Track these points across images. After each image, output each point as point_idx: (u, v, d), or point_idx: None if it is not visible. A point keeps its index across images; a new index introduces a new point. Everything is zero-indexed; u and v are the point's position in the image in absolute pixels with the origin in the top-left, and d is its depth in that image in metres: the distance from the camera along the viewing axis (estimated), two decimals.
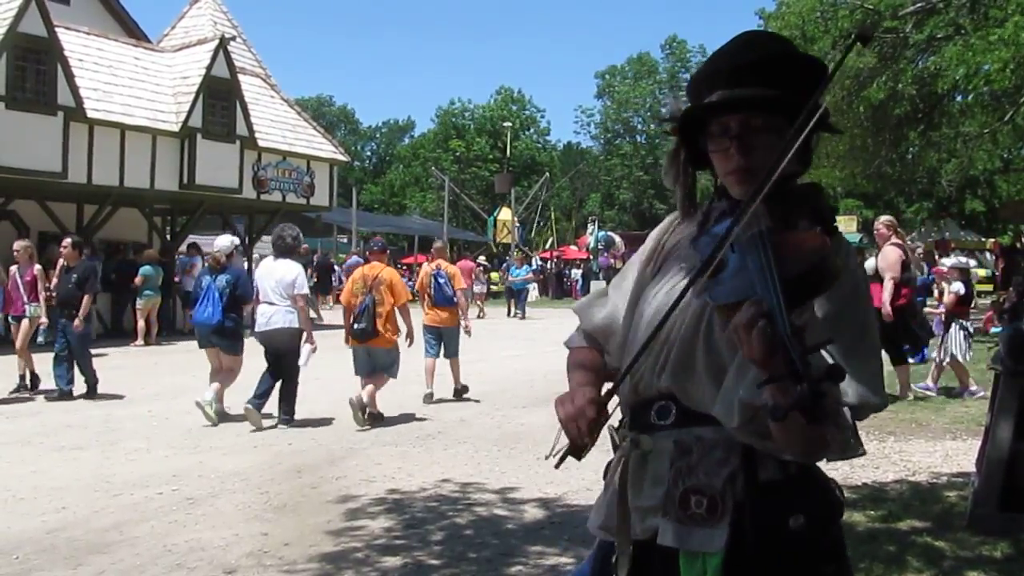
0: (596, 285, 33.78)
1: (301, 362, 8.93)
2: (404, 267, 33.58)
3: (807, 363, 1.28)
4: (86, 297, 10.27)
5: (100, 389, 10.41)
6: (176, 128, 18.42)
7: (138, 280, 16.68)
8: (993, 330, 15.39)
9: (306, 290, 9.29)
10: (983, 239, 36.48)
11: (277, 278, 8.78)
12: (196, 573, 4.70)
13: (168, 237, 20.90)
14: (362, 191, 45.57)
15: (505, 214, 39.90)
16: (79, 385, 10.46)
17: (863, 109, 16.89)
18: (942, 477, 6.52)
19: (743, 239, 1.49)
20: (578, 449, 1.71)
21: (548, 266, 38.64)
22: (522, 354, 11.89)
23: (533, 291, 25.60)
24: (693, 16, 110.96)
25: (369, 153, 78.32)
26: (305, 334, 8.92)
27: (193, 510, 5.88)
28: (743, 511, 1.59)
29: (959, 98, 18.67)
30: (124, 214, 19.31)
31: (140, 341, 16.61)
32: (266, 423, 8.77)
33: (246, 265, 21.75)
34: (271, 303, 8.79)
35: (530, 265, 26.70)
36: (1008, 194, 39.48)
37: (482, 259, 29.16)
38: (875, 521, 5.39)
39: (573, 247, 41.46)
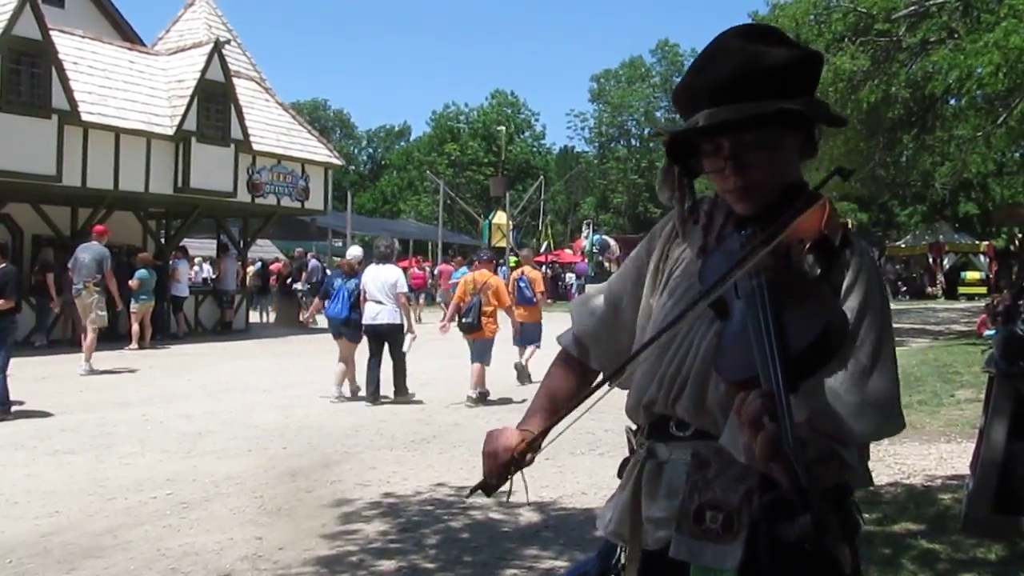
0: (591, 288, 33.81)
1: (404, 348, 10.50)
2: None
3: (812, 484, 1.23)
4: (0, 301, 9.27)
5: (95, 395, 10.32)
6: (171, 132, 18.37)
7: (134, 284, 16.61)
8: (987, 333, 15.42)
9: (406, 289, 10.91)
10: (977, 242, 36.58)
11: (382, 280, 10.41)
12: None
13: (163, 241, 20.86)
14: (353, 199, 45.55)
15: (500, 218, 39.88)
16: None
17: (856, 112, 16.92)
18: (936, 480, 6.53)
19: (744, 286, 1.46)
20: (489, 486, 1.77)
21: (543, 270, 38.65)
22: (517, 357, 11.95)
23: None
24: (686, 19, 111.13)
25: (365, 157, 78.31)
26: (407, 325, 10.54)
27: (187, 514, 5.87)
28: (758, 529, 1.54)
29: (952, 101, 18.72)
30: (119, 217, 19.25)
31: (135, 345, 16.55)
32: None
33: (239, 267, 21.82)
34: (378, 301, 10.38)
35: (469, 268, 26.17)
36: (1001, 197, 39.57)
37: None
38: (870, 524, 5.39)
39: (568, 250, 41.47)
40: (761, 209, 1.57)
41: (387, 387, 10.62)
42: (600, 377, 1.77)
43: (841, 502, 1.61)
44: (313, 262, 24.74)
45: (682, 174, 1.70)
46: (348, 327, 10.74)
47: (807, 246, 1.47)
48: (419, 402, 10.62)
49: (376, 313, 10.41)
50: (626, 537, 1.71)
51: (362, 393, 10.75)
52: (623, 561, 1.74)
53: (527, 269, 12.39)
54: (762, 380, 1.32)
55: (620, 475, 1.80)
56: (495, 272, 11.37)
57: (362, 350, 10.80)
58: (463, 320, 10.55)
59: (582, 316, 1.93)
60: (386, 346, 10.55)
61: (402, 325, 10.53)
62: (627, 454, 1.80)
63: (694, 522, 1.58)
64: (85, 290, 13.81)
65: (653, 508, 1.65)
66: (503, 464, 1.76)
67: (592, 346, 1.90)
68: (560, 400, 1.89)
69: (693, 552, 1.57)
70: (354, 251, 11.56)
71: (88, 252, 14.11)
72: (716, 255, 1.61)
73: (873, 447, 6.11)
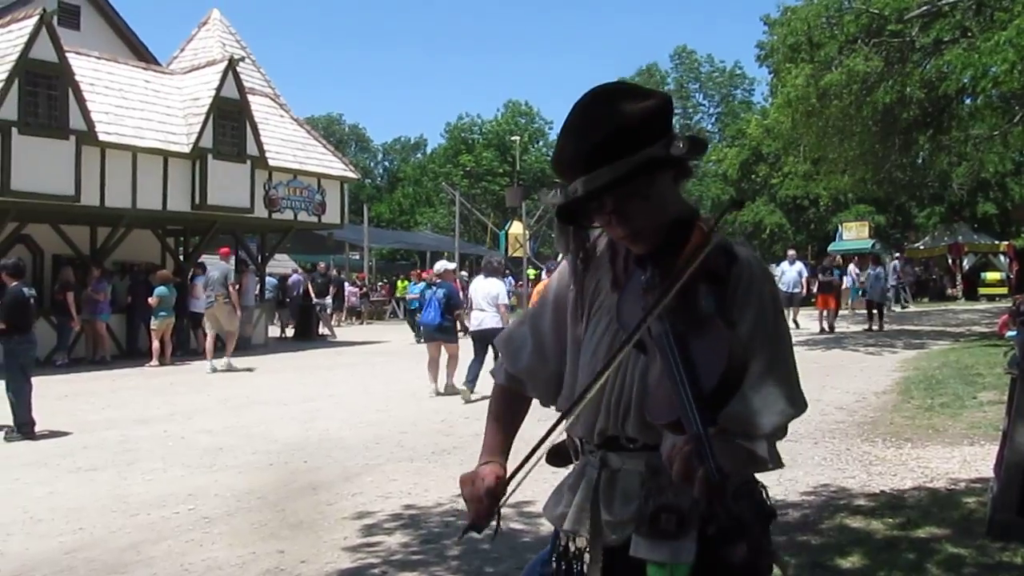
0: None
1: None
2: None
3: (743, 512, 1.45)
4: None
5: (117, 412, 10.36)
6: (187, 149, 18.51)
7: (153, 301, 16.74)
8: (1008, 334, 15.26)
9: (508, 300, 12.29)
10: (996, 242, 36.23)
11: (486, 291, 11.79)
12: None
13: (181, 258, 21.00)
14: (369, 211, 45.74)
15: (516, 228, 39.89)
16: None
17: (871, 113, 16.83)
18: (960, 483, 6.47)
19: (655, 327, 1.67)
20: (480, 527, 1.95)
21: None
22: None
23: None
24: (701, 26, 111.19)
25: (381, 171, 78.62)
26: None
27: (210, 529, 5.89)
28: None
29: (968, 101, 18.60)
30: (137, 235, 19.42)
31: (155, 361, 16.66)
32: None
33: (258, 280, 21.93)
34: (482, 309, 11.72)
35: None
36: (1020, 196, 39.21)
37: (463, 274, 28.93)
38: (894, 529, 5.36)
39: None
40: (653, 247, 1.80)
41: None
42: (558, 416, 1.90)
43: (760, 491, 1.87)
44: (295, 277, 24.81)
45: (576, 230, 1.93)
46: (441, 332, 12.10)
47: (699, 284, 1.69)
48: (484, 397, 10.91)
49: (481, 320, 11.72)
50: (584, 535, 1.91)
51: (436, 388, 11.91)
52: (573, 549, 1.95)
53: None
54: (684, 424, 1.53)
55: (550, 461, 1.97)
56: None
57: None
58: None
59: (513, 355, 2.12)
60: (489, 348, 11.45)
61: (502, 329, 11.86)
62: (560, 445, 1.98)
63: (651, 524, 1.79)
64: (216, 303, 16.01)
65: (611, 512, 1.86)
66: (488, 507, 1.94)
67: (527, 380, 2.11)
68: (512, 430, 2.13)
69: (651, 550, 1.78)
70: (440, 265, 13.23)
71: (217, 270, 16.64)
72: (627, 293, 1.84)
73: (895, 450, 6.11)
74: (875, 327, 20.84)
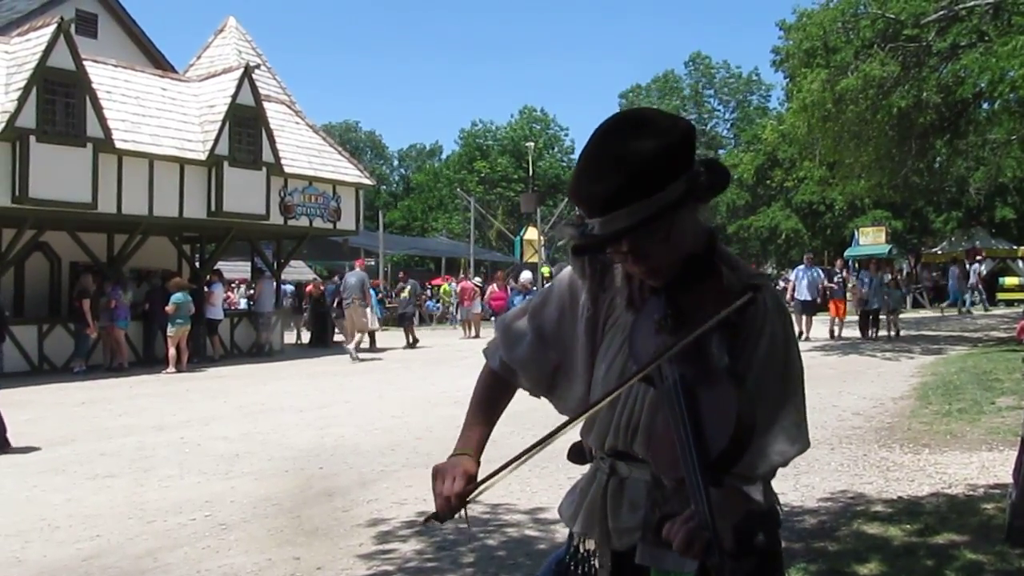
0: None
1: None
2: (430, 287, 33.62)
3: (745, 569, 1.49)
4: None
5: (134, 419, 10.37)
6: (203, 156, 18.61)
7: (170, 308, 16.83)
8: None
9: None
10: (1014, 247, 35.98)
11: None
12: None
13: (198, 264, 21.09)
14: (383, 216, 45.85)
15: (531, 233, 39.93)
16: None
17: (887, 118, 16.76)
18: (979, 489, 6.43)
19: (664, 369, 1.67)
20: (441, 517, 1.96)
21: None
22: None
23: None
24: (717, 32, 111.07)
25: (397, 178, 78.85)
26: None
27: (226, 536, 5.91)
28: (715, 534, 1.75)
29: (985, 105, 18.50)
30: (154, 242, 19.54)
31: (172, 368, 16.74)
32: None
33: (274, 286, 22.01)
34: None
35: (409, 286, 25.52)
36: None
37: (477, 280, 28.85)
38: (912, 535, 5.32)
39: None
40: (670, 280, 1.78)
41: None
42: (557, 425, 1.91)
43: (772, 500, 1.91)
44: (286, 286, 24.85)
45: (592, 258, 1.93)
46: None
47: (713, 331, 1.66)
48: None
49: None
50: (595, 539, 1.96)
51: None
52: (583, 550, 1.99)
53: None
54: (688, 491, 1.55)
55: (570, 458, 2.09)
56: None
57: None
58: None
59: (511, 344, 2.12)
60: None
61: None
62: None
63: (656, 533, 1.76)
64: (352, 304, 18.94)
65: (618, 520, 1.90)
66: (455, 507, 1.94)
67: (521, 370, 2.12)
68: (493, 419, 2.17)
69: (656, 559, 1.83)
70: (526, 275, 14.62)
71: (353, 277, 19.63)
72: (642, 319, 1.82)
73: (912, 456, 6.08)
74: (872, 335, 20.31)
